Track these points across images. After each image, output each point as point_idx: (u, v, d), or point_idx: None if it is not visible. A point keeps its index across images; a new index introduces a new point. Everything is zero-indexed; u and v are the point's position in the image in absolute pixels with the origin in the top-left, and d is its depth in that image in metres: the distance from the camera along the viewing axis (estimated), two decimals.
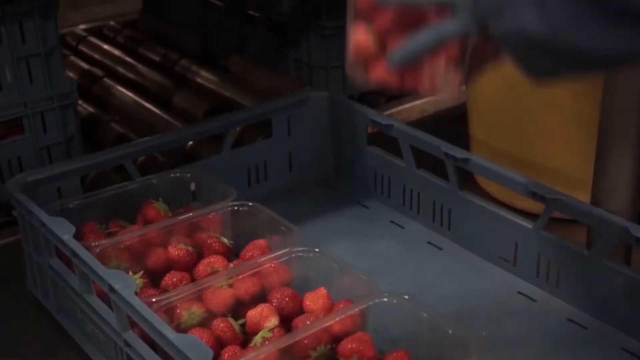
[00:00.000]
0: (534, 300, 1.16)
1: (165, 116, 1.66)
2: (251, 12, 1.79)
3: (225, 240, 1.15)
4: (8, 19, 1.25)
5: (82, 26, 2.14)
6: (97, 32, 2.13)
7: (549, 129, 1.29)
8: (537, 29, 0.66)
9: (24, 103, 1.30)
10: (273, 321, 1.00)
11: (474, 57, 0.77)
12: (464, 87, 0.84)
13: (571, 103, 1.25)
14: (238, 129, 1.38)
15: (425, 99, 1.74)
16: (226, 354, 0.97)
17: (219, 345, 0.98)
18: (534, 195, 1.14)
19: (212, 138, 1.39)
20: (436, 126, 1.64)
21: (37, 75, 1.30)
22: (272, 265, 1.08)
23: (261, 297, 1.05)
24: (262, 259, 1.08)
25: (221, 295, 1.04)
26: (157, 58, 1.94)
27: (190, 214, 1.17)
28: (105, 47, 2.02)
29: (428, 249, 1.28)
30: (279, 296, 1.04)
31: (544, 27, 0.66)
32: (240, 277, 1.06)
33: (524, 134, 1.32)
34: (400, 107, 1.71)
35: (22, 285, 1.21)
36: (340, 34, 1.61)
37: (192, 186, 1.27)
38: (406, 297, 1.00)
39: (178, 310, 1.01)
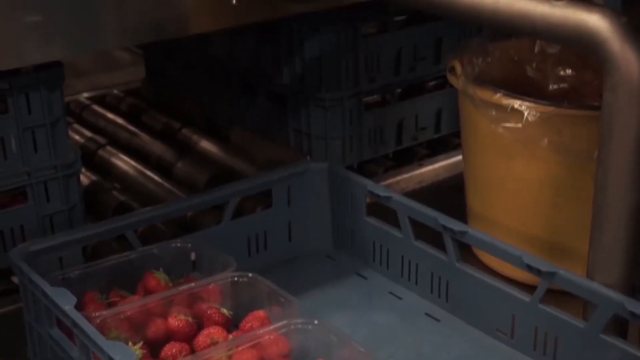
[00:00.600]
0: None
1: (166, 184, 1.68)
2: (252, 83, 1.82)
3: (225, 311, 1.16)
4: (15, 91, 1.27)
5: (86, 94, 2.18)
6: (101, 100, 2.16)
7: (545, 203, 1.31)
8: None
9: (28, 172, 1.32)
10: None
11: None
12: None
13: (567, 177, 1.27)
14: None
15: (423, 169, 1.77)
16: None
17: None
18: (530, 269, 1.15)
19: (212, 207, 1.41)
20: (434, 196, 1.67)
21: (41, 144, 1.32)
22: (272, 336, 1.09)
23: None
24: (262, 331, 1.09)
25: None
26: (159, 126, 1.97)
27: (191, 285, 1.18)
28: (108, 115, 2.05)
29: (426, 320, 1.29)
30: None
31: None
32: (239, 348, 1.06)
33: (520, 207, 1.34)
34: (398, 177, 1.73)
35: (23, 354, 1.21)
36: (339, 106, 1.66)
37: (193, 256, 1.28)
38: None
39: None
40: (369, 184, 1.39)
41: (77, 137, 1.90)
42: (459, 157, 1.63)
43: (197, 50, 1.94)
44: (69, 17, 1.20)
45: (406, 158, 1.80)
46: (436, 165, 1.79)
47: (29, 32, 1.17)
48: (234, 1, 1.32)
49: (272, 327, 1.10)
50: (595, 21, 0.99)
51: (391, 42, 1.69)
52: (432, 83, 1.84)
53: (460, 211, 1.41)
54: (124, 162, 1.79)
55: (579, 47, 1.04)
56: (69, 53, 1.25)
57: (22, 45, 1.18)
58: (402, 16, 1.75)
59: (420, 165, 1.78)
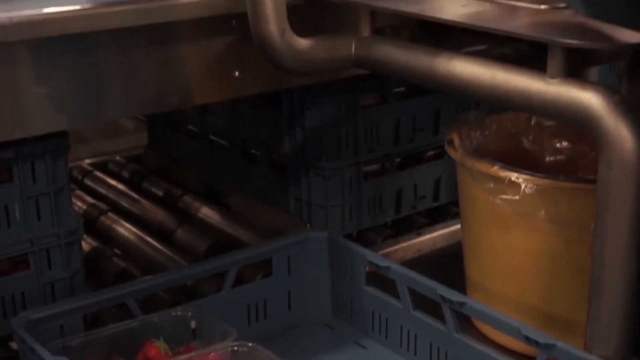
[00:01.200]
0: None
1: (167, 251, 1.69)
2: (253, 151, 1.84)
3: None
4: (20, 159, 1.29)
5: (88, 160, 2.20)
6: (103, 166, 2.18)
7: (543, 273, 1.32)
8: None
9: (31, 240, 1.32)
10: None
11: None
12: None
13: (564, 248, 1.29)
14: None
15: (422, 238, 1.78)
16: None
17: None
18: (528, 340, 1.16)
19: (213, 274, 1.42)
20: (433, 265, 1.68)
21: (45, 213, 1.33)
22: None
23: None
24: None
25: None
26: (160, 193, 1.99)
27: (191, 354, 1.18)
28: (110, 181, 2.07)
29: None
30: None
31: None
32: None
33: (518, 277, 1.35)
34: (397, 246, 1.74)
35: None
36: (339, 175, 1.68)
37: (193, 324, 1.29)
38: None
39: None
40: (369, 254, 1.40)
41: (79, 203, 1.91)
42: (458, 226, 1.64)
43: (198, 118, 1.97)
44: (75, 88, 1.23)
45: (405, 226, 1.81)
46: (435, 234, 1.80)
47: (36, 103, 1.20)
48: (237, 73, 1.35)
49: None
50: (590, 98, 1.02)
51: (390, 113, 1.72)
52: (430, 152, 1.86)
53: (458, 280, 1.42)
54: (125, 229, 1.80)
55: (574, 124, 1.06)
56: (75, 123, 1.28)
57: (29, 115, 1.20)
58: (401, 88, 1.78)
59: (419, 234, 1.79)
